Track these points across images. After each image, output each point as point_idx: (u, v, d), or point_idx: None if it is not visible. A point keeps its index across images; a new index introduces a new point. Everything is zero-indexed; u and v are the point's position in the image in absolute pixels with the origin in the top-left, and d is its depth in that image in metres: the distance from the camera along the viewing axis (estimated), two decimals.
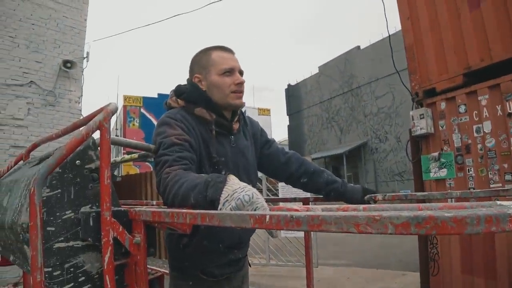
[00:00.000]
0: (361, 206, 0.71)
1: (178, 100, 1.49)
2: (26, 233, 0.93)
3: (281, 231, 5.65)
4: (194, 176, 1.14)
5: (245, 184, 0.98)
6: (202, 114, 1.42)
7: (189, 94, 1.46)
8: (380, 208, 0.70)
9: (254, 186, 1.55)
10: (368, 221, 0.53)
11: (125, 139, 1.30)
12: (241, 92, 1.48)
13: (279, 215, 0.60)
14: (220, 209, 0.93)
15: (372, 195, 1.59)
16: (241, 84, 1.47)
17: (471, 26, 3.94)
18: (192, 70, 1.53)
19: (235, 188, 0.96)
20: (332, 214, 0.55)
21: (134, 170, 19.22)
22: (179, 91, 1.49)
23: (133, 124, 20.70)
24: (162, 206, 1.25)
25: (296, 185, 1.72)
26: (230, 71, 1.45)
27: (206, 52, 1.51)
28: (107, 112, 0.97)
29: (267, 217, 0.62)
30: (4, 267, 1.59)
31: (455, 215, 0.48)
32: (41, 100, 6.51)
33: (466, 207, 0.65)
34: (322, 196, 1.69)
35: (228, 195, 0.95)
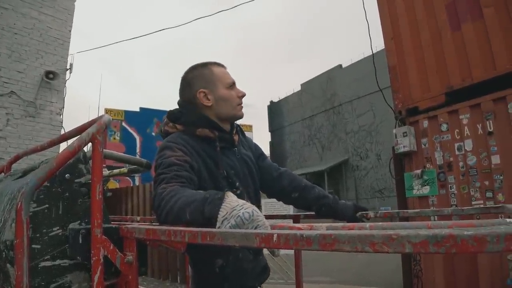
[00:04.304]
0: (367, 224, 0.69)
1: (176, 125, 1.46)
2: (9, 251, 0.88)
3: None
4: (190, 192, 1.10)
5: (243, 201, 0.94)
6: (205, 134, 1.42)
7: (188, 117, 1.45)
8: (388, 226, 0.68)
9: (259, 192, 1.60)
10: (384, 240, 0.51)
11: (117, 153, 1.26)
12: (242, 104, 1.54)
13: (287, 234, 0.57)
14: (219, 227, 0.90)
15: (364, 212, 1.58)
16: (243, 96, 1.52)
17: (453, 47, 4.06)
18: (193, 85, 1.49)
19: (234, 206, 0.92)
20: (346, 233, 0.53)
21: (113, 184, 18.82)
22: (174, 116, 1.47)
23: (114, 138, 20.37)
24: (153, 223, 1.20)
25: (287, 201, 1.71)
26: (233, 85, 1.50)
27: (205, 67, 1.51)
28: (101, 124, 0.93)
29: (275, 236, 0.59)
30: None
31: (475, 233, 0.47)
32: (21, 111, 6.36)
33: (475, 225, 0.64)
34: (313, 212, 1.67)
35: (227, 212, 0.91)
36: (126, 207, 7.11)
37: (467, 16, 3.95)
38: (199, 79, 1.49)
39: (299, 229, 0.76)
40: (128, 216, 5.51)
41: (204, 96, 1.46)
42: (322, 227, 0.74)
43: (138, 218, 2.52)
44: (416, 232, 0.49)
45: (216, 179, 1.38)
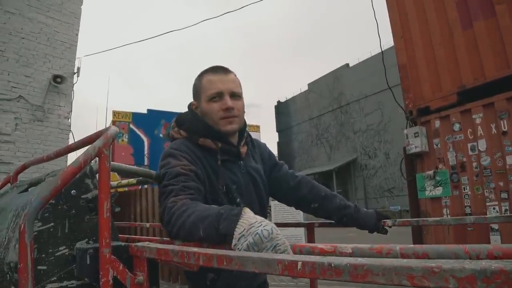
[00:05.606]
0: (397, 247, 0.63)
1: (181, 131, 1.41)
2: (14, 274, 0.83)
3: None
4: (204, 207, 1.05)
5: (262, 218, 0.89)
6: (207, 144, 1.35)
7: (191, 125, 1.39)
8: (421, 250, 0.62)
9: (265, 209, 1.52)
10: (424, 273, 0.45)
11: (126, 165, 1.21)
12: (232, 116, 1.36)
13: (314, 262, 0.52)
14: (235, 245, 0.84)
15: (383, 220, 1.53)
16: (229, 109, 1.35)
17: (464, 46, 3.97)
18: (192, 95, 1.48)
19: (252, 222, 0.86)
20: (380, 264, 0.48)
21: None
22: (180, 122, 1.43)
23: (122, 140, 20.43)
24: (165, 239, 1.15)
25: (307, 210, 1.64)
26: (217, 96, 1.36)
27: (199, 77, 1.44)
28: (107, 137, 0.88)
29: (299, 264, 0.53)
30: None
31: None
32: (29, 115, 6.37)
33: None
34: (332, 221, 1.62)
35: (244, 229, 0.85)
36: (135, 211, 7.07)
37: (478, 14, 3.86)
38: (193, 90, 1.47)
39: (323, 250, 0.71)
40: (137, 223, 5.45)
41: (195, 108, 1.44)
42: (347, 248, 0.68)
43: (148, 225, 2.48)
44: (461, 265, 0.44)
45: (216, 193, 1.31)
